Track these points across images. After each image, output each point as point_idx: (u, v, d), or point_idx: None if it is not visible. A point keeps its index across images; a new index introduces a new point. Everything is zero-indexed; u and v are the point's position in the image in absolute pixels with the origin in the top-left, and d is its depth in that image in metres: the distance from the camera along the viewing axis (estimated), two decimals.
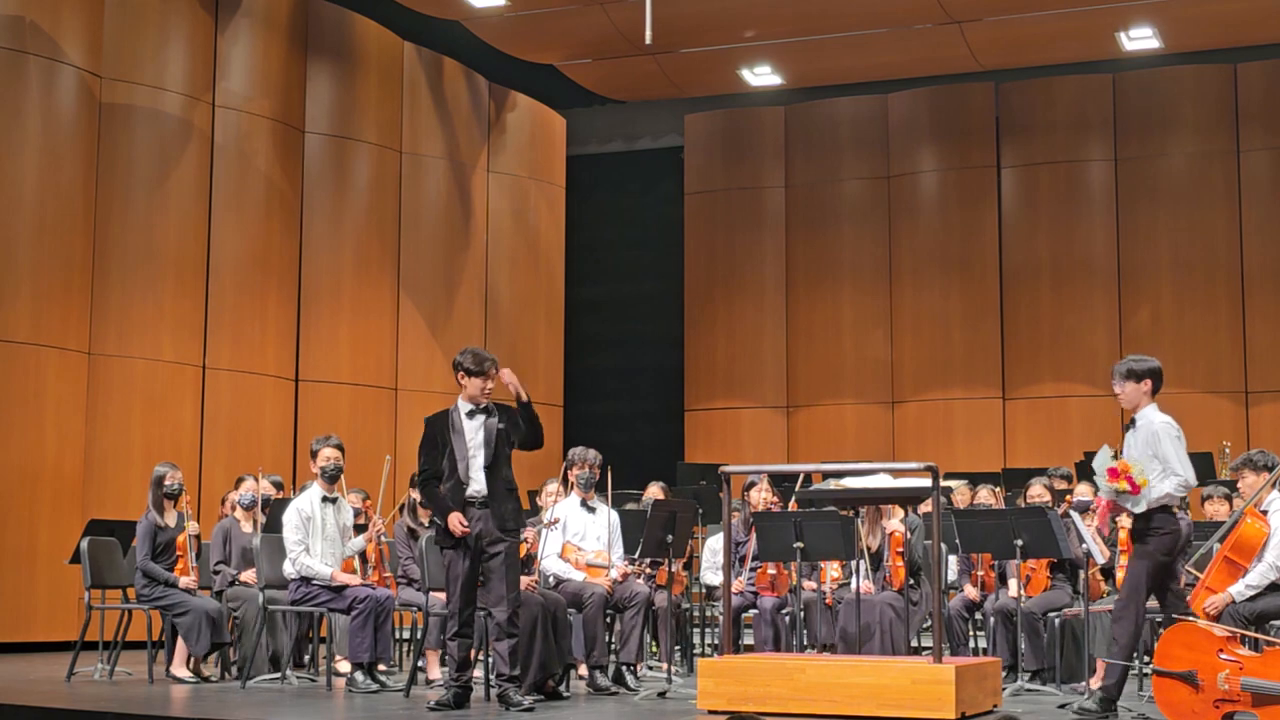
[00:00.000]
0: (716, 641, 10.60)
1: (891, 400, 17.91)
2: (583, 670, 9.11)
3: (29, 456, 12.75)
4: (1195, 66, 17.21)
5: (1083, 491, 9.94)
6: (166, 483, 9.93)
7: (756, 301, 18.59)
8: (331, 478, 9.31)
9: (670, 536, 8.89)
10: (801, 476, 11.10)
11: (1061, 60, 17.09)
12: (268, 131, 14.84)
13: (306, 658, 10.25)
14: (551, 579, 9.18)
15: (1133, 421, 7.60)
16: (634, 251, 19.97)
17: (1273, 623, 7.85)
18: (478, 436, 8.04)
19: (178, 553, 9.79)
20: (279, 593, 9.39)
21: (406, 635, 11.16)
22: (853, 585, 9.35)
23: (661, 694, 8.56)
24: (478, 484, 7.97)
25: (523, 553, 8.80)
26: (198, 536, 10.09)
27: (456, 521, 7.86)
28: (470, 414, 8.10)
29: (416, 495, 10.10)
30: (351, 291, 15.55)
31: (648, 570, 9.68)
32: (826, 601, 9.79)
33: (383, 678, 9.08)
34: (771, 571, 9.92)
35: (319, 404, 15.08)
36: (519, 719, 7.54)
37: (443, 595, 9.14)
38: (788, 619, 9.82)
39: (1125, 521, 9.10)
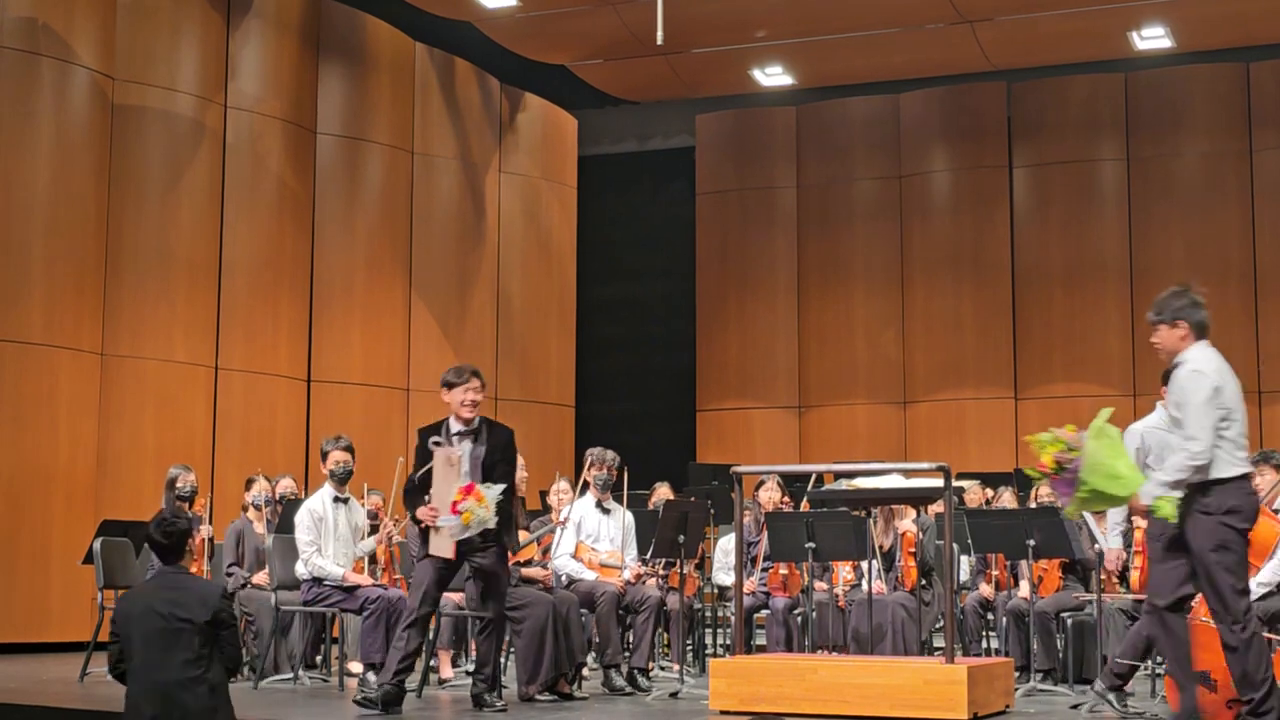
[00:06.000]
0: (728, 642, 10.60)
1: (904, 400, 17.90)
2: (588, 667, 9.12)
3: (42, 457, 12.77)
4: (1208, 66, 17.17)
5: None
6: (179, 485, 9.96)
7: (768, 302, 18.58)
8: (341, 479, 9.32)
9: (682, 537, 8.89)
10: (814, 477, 11.10)
11: (1073, 60, 17.06)
12: (279, 132, 14.86)
13: (319, 658, 10.25)
14: (564, 579, 9.19)
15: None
16: (646, 252, 19.96)
17: None
18: (468, 463, 7.77)
19: (192, 555, 9.80)
20: (291, 594, 9.40)
21: None
22: (864, 586, 9.35)
23: (674, 694, 8.56)
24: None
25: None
26: (211, 539, 10.11)
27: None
28: (460, 435, 7.85)
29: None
30: (363, 292, 15.56)
31: (661, 572, 9.68)
32: (839, 603, 9.79)
33: None
34: (783, 572, 9.92)
35: (331, 405, 15.10)
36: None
37: (456, 595, 9.18)
38: (800, 619, 9.82)
39: (1140, 522, 9.10)
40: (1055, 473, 6.41)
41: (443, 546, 7.68)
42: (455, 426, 7.87)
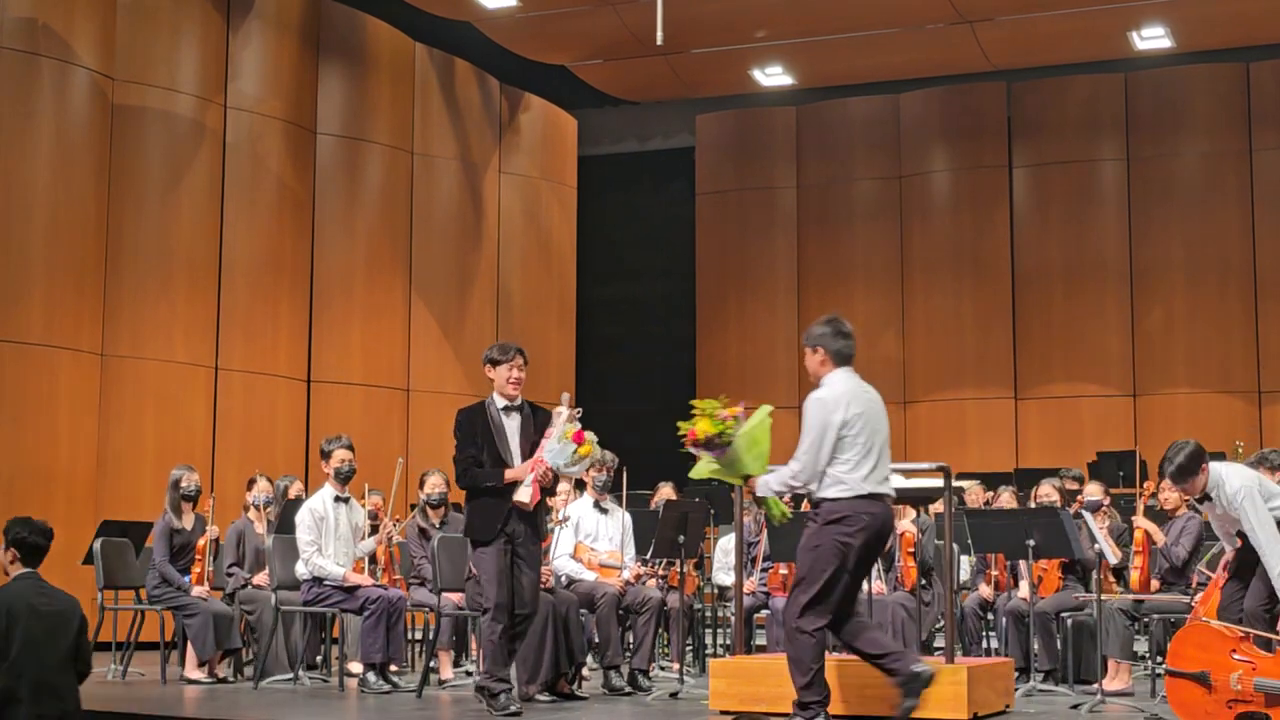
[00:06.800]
0: (728, 642, 10.60)
1: (904, 400, 17.89)
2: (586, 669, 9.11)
3: (42, 457, 12.77)
4: (1207, 65, 17.18)
5: (1093, 491, 9.95)
6: (183, 485, 9.95)
7: (768, 302, 18.59)
8: (345, 478, 9.33)
9: (682, 537, 8.89)
10: None
11: (1073, 60, 17.06)
12: (279, 132, 14.86)
13: (319, 659, 10.25)
14: (564, 579, 9.19)
15: None
16: (646, 252, 19.96)
17: None
18: (518, 437, 7.83)
19: (196, 555, 9.80)
20: (292, 594, 9.40)
21: (419, 636, 11.17)
22: (864, 586, 9.34)
23: (674, 694, 8.56)
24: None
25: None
26: (216, 540, 10.11)
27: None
28: (506, 410, 7.93)
29: (424, 496, 10.10)
30: (363, 292, 15.56)
31: (660, 573, 9.68)
32: None
33: (395, 678, 9.10)
34: (783, 572, 9.91)
35: (331, 405, 15.09)
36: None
37: (455, 595, 9.18)
38: None
39: (1141, 521, 9.11)
40: (700, 443, 6.77)
41: (531, 494, 7.73)
42: (500, 403, 7.88)
